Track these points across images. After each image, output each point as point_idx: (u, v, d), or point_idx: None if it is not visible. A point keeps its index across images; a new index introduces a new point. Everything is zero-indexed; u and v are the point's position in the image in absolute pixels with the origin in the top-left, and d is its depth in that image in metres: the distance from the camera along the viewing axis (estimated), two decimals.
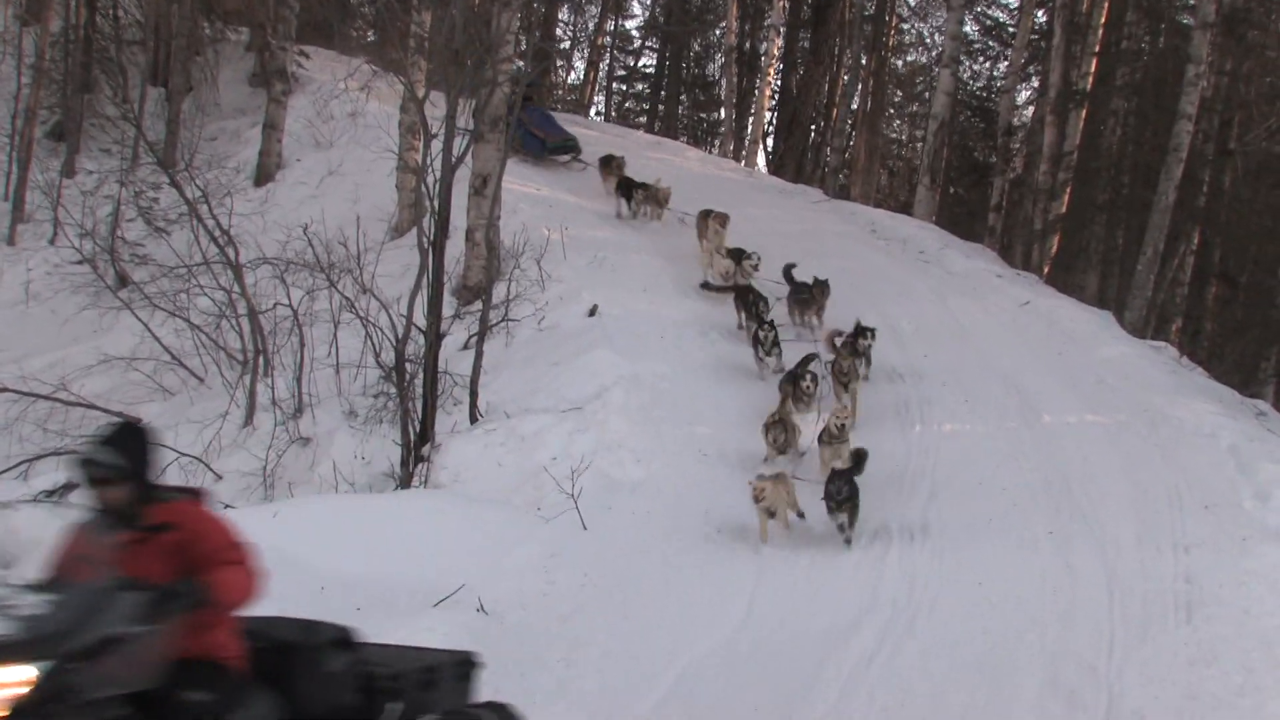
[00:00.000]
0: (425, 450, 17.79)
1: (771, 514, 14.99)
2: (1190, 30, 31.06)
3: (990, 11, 46.99)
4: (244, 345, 22.48)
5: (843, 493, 14.62)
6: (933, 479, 16.41)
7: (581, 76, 52.99)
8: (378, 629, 11.79)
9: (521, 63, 25.52)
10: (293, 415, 20.53)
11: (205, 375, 23.48)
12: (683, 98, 53.94)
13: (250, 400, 21.35)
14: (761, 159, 44.29)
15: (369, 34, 38.30)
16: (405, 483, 17.69)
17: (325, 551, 14.06)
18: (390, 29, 23.41)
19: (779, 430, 17.09)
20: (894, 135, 53.15)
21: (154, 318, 24.35)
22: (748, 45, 47.93)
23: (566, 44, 51.82)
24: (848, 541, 14.53)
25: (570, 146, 30.98)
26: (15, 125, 32.23)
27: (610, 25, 52.57)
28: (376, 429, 19.47)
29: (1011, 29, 43.30)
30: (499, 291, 21.12)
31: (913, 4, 48.41)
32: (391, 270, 24.03)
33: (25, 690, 6.53)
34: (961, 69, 41.48)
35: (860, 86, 43.58)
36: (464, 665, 8.68)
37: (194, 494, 8.10)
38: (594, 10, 51.19)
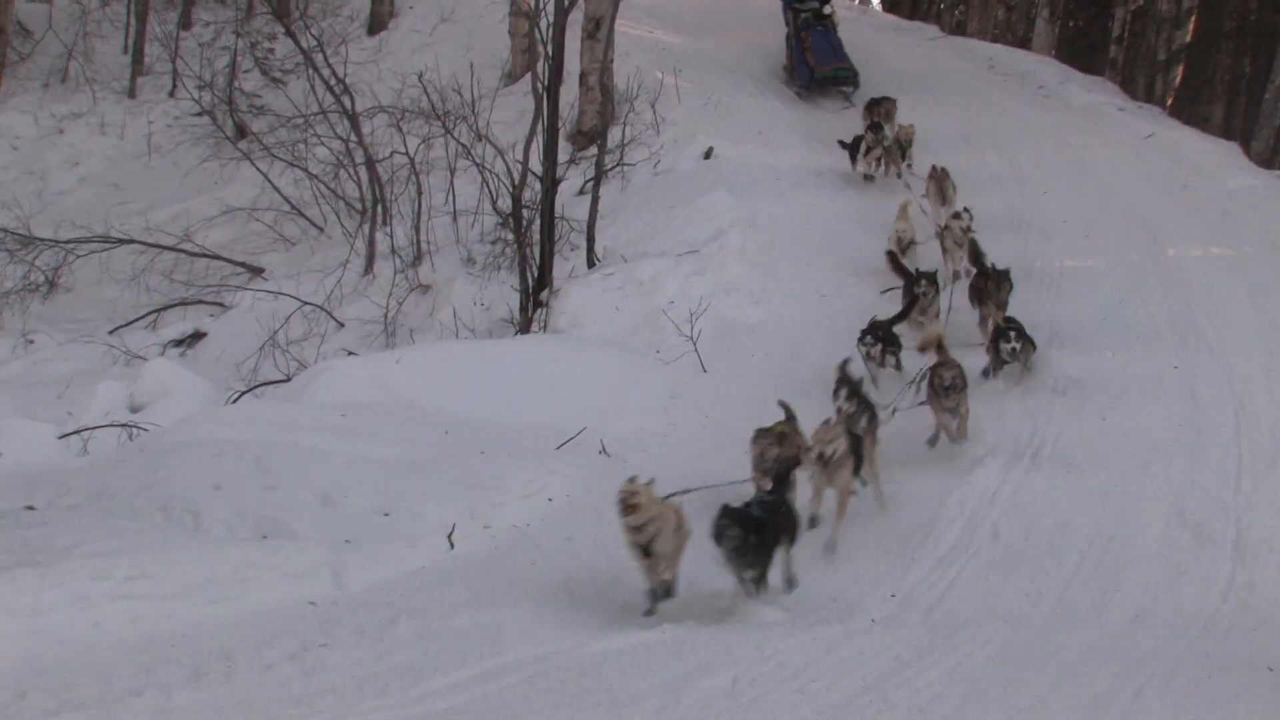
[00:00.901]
0: (543, 295, 17.87)
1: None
2: None
3: None
4: (362, 194, 22.61)
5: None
6: (1053, 315, 16.25)
7: None
8: (502, 472, 12.04)
9: None
10: (412, 263, 20.68)
11: (325, 224, 23.68)
12: None
13: (370, 249, 21.52)
14: None
15: None
16: (524, 328, 17.82)
17: (448, 396, 14.25)
18: None
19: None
20: None
21: (273, 168, 24.53)
22: None
23: None
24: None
25: (843, 77, 26.09)
26: None
27: None
28: (494, 275, 19.58)
29: None
30: (614, 136, 21.06)
31: None
32: (506, 117, 24.01)
33: None
34: None
35: None
36: None
37: None
38: None
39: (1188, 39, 34.46)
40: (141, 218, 24.71)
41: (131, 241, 23.13)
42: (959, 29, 39.08)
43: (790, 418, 12.29)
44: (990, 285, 15.64)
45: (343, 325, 19.99)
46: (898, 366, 14.86)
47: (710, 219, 18.87)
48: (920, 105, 23.57)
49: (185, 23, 32.54)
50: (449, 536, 10.62)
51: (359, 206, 22.64)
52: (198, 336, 20.71)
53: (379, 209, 22.05)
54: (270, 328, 19.47)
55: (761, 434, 11.81)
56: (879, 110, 23.04)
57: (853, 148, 21.54)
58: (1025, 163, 21.76)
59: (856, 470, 11.40)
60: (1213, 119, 31.61)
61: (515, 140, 20.47)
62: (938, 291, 15.83)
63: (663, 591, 9.64)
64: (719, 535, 9.34)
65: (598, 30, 22.26)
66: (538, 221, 18.46)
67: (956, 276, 16.88)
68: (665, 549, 9.57)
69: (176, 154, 27.49)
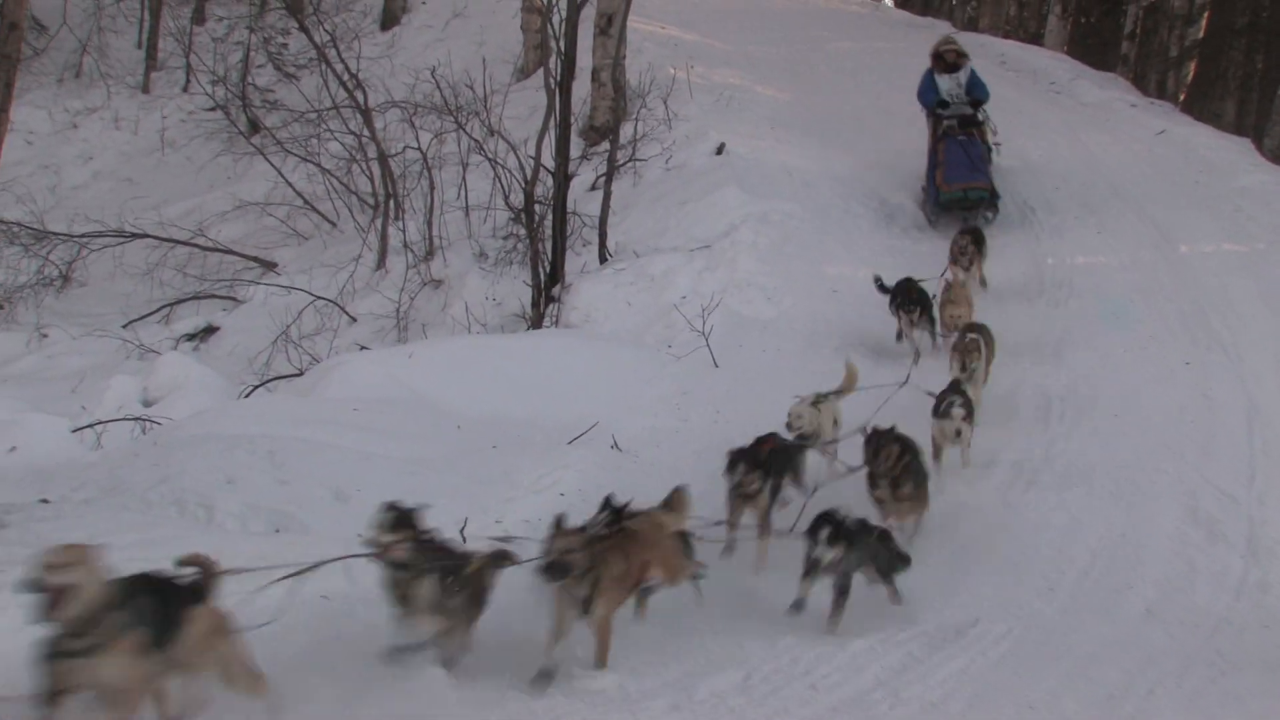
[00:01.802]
0: (555, 291, 17.89)
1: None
2: None
3: None
4: (374, 189, 22.64)
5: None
6: (1066, 311, 16.24)
7: None
8: (513, 466, 12.06)
9: None
10: (424, 258, 20.72)
11: (337, 219, 23.73)
12: None
13: (382, 243, 21.56)
14: None
15: None
16: (536, 323, 17.85)
17: (460, 391, 14.27)
18: None
19: None
20: None
21: (286, 163, 24.58)
22: None
23: None
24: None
25: (975, 199, 19.49)
26: None
27: None
28: (507, 270, 19.62)
29: None
30: (626, 131, 21.07)
31: None
32: (518, 112, 24.03)
33: None
34: None
35: None
36: None
37: None
38: None
39: (1200, 35, 34.42)
40: (155, 212, 24.74)
41: (145, 236, 23.19)
42: (971, 25, 39.07)
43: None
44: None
45: (355, 320, 20.04)
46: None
47: (722, 215, 18.89)
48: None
49: (199, 18, 32.64)
50: (460, 531, 10.63)
51: (371, 201, 22.68)
52: (211, 331, 20.77)
53: (391, 204, 22.08)
54: (283, 322, 19.52)
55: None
56: (966, 249, 17.00)
57: (899, 298, 15.51)
58: (1036, 159, 21.74)
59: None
60: (1225, 115, 31.59)
61: (527, 136, 20.50)
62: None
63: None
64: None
65: (610, 26, 22.27)
66: (550, 217, 18.49)
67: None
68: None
69: (190, 149, 27.58)
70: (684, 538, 9.20)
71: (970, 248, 16.94)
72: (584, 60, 21.36)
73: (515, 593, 8.38)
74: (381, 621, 7.98)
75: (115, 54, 31.62)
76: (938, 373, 13.47)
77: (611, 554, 8.11)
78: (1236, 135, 25.69)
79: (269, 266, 22.80)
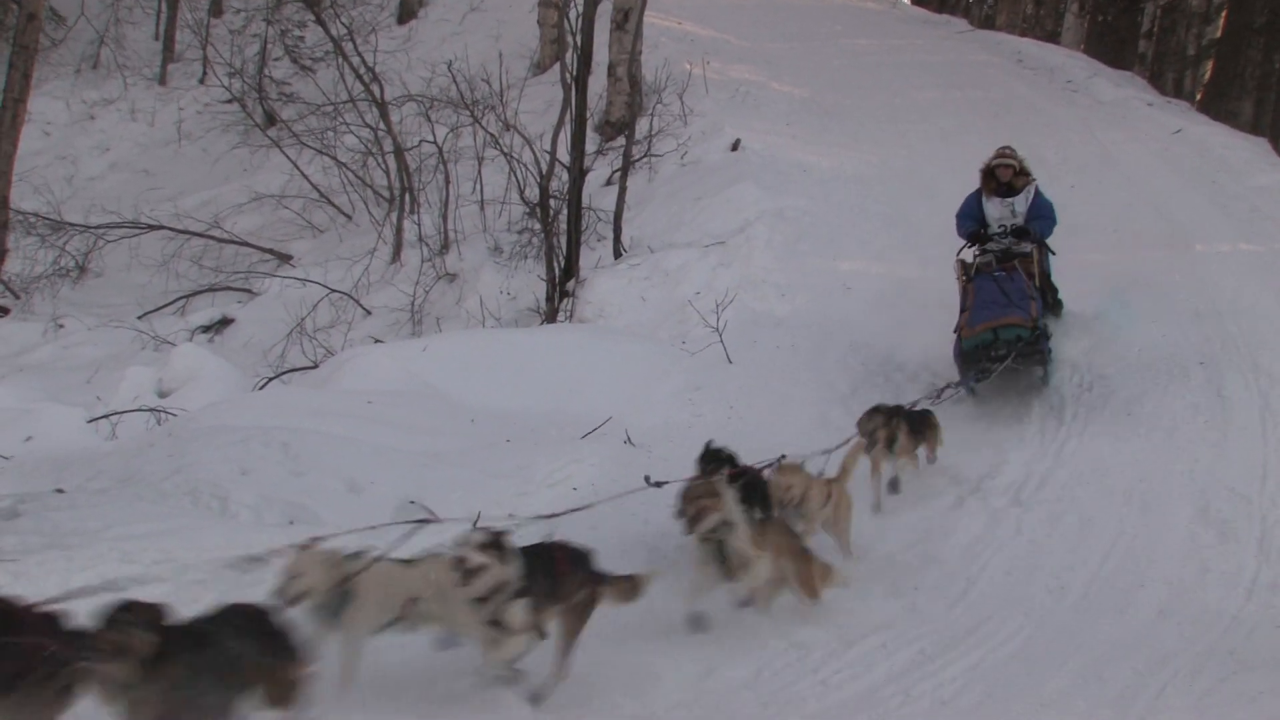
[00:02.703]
0: (570, 285, 17.90)
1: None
2: None
3: None
4: (390, 182, 22.67)
5: None
6: (1080, 308, 16.22)
7: None
8: (528, 460, 12.08)
9: None
10: (439, 251, 20.74)
11: (353, 212, 23.75)
12: None
13: (397, 237, 21.58)
14: None
15: None
16: (550, 317, 17.85)
17: (474, 385, 14.29)
18: None
19: None
20: None
21: (302, 155, 24.62)
22: None
23: None
24: None
25: (1009, 339, 14.18)
26: None
27: None
28: (521, 264, 19.64)
29: None
30: (641, 127, 21.10)
31: None
32: (534, 106, 24.05)
33: None
34: None
35: None
36: None
37: None
38: None
39: (1217, 34, 34.34)
40: (171, 204, 24.81)
41: (161, 228, 23.24)
42: (988, 23, 39.04)
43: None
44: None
45: (370, 313, 20.07)
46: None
47: (737, 211, 18.90)
48: (948, 100, 23.50)
49: (216, 10, 32.70)
50: (474, 524, 10.65)
51: (387, 195, 22.71)
52: (226, 322, 20.80)
53: (407, 197, 22.10)
54: (298, 314, 19.56)
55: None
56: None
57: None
58: (1052, 158, 21.70)
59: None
60: (1242, 115, 31.51)
61: (543, 130, 20.52)
62: None
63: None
64: None
65: (626, 21, 22.29)
66: (565, 211, 18.50)
67: None
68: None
69: (206, 140, 27.61)
70: None
71: (886, 430, 11.91)
72: (600, 55, 21.35)
73: None
74: None
75: (132, 45, 31.66)
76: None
77: None
78: (1253, 135, 25.66)
79: (284, 259, 22.85)
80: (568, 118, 18.73)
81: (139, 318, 20.87)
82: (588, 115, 19.01)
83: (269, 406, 13.27)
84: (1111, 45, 34.58)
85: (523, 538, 8.03)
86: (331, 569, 7.38)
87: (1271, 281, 16.50)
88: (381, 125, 22.80)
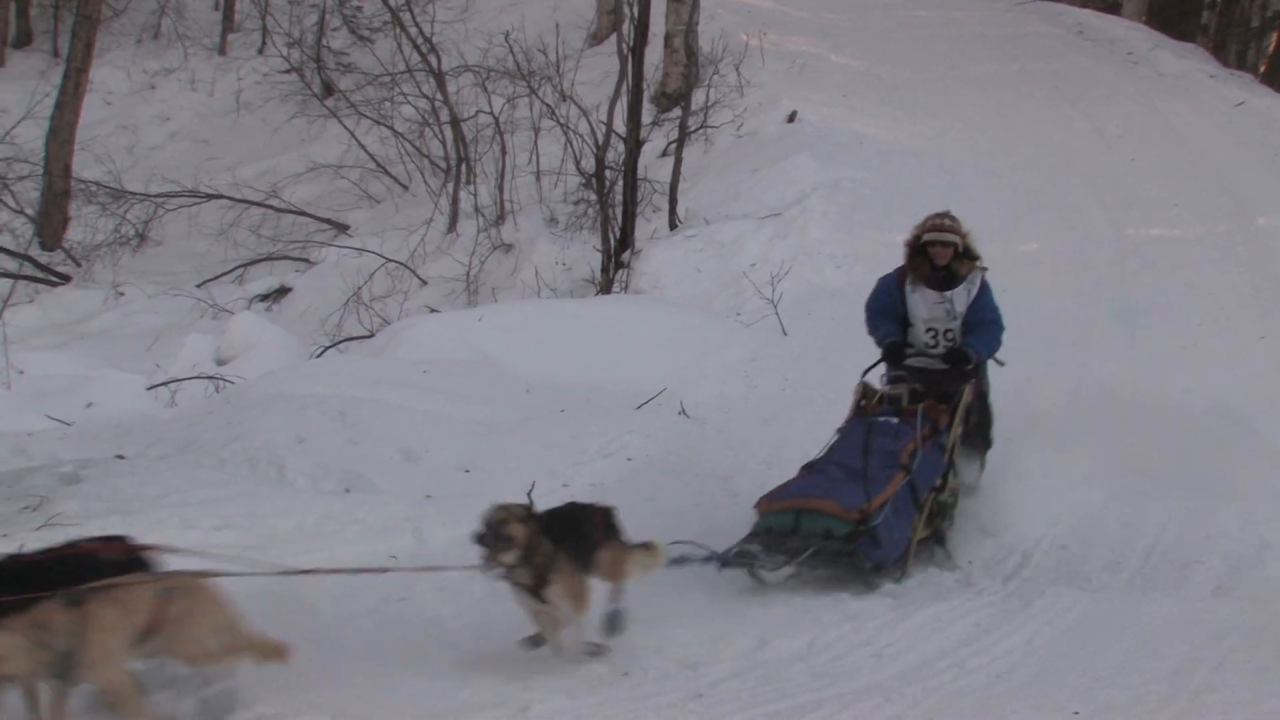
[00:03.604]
0: (625, 256, 17.93)
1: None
2: None
3: None
4: (446, 153, 22.70)
5: None
6: (1138, 284, 16.11)
7: None
8: (581, 431, 12.11)
9: None
10: (494, 222, 20.77)
11: (409, 183, 23.80)
12: None
13: (453, 207, 21.62)
14: None
15: None
16: (605, 288, 17.89)
17: (529, 355, 14.34)
18: None
19: None
20: None
21: (359, 125, 24.69)
22: None
23: None
24: None
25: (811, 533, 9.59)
26: None
27: None
28: (576, 235, 19.67)
29: None
30: (697, 98, 21.05)
31: None
32: (590, 77, 24.01)
33: None
34: None
35: None
36: None
37: None
38: None
39: None
40: (230, 173, 24.93)
41: (220, 197, 23.39)
42: None
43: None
44: None
45: (425, 283, 20.13)
46: None
47: (793, 182, 18.87)
48: (1006, 72, 23.31)
49: None
50: (528, 494, 10.69)
51: (443, 165, 22.74)
52: (283, 291, 20.92)
53: (463, 168, 22.14)
54: (354, 284, 19.63)
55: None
56: None
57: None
58: (1113, 130, 21.55)
59: None
60: None
61: (599, 101, 20.50)
62: None
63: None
64: None
65: None
66: (620, 182, 18.50)
67: None
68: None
69: (265, 110, 27.68)
70: None
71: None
72: (657, 26, 21.29)
73: None
74: None
75: (192, 15, 31.82)
76: None
77: None
78: None
79: (341, 229, 22.94)
80: (624, 89, 18.71)
81: (198, 286, 21.06)
82: (644, 86, 18.99)
83: (326, 375, 13.37)
84: (1174, 17, 34.12)
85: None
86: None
87: None
88: (438, 96, 22.82)
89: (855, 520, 9.40)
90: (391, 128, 24.13)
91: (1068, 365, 13.96)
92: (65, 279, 22.08)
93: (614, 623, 7.85)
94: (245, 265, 22.00)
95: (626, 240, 18.13)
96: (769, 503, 9.69)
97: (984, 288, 10.81)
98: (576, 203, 20.20)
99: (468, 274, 19.59)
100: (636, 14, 18.31)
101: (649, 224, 18.86)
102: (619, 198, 18.47)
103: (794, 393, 13.93)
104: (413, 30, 23.65)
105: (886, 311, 10.93)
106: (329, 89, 27.09)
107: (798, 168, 19.21)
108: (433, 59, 23.13)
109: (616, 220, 18.35)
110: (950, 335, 10.80)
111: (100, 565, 6.33)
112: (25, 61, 30.39)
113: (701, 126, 20.54)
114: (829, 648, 8.08)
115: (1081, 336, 14.84)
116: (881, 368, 10.90)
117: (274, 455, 10.57)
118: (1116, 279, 16.46)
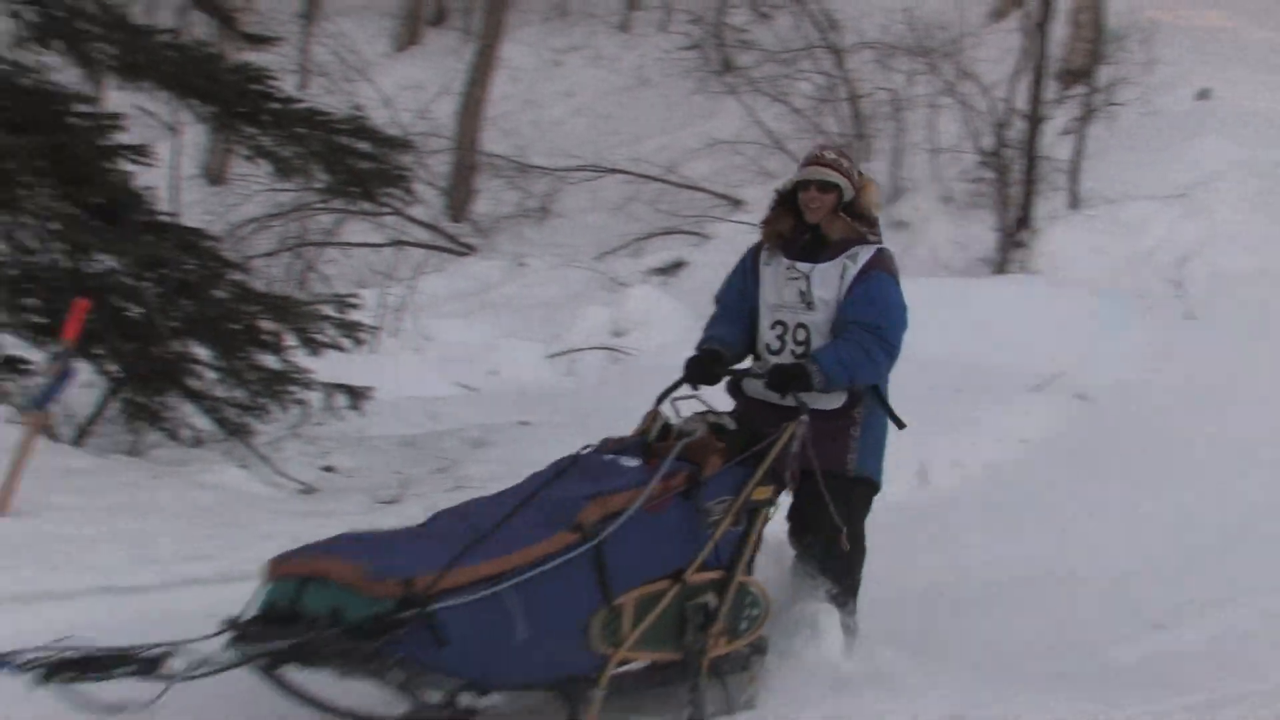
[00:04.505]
0: (1022, 236, 17.68)
1: None
2: None
3: None
4: (843, 130, 22.71)
5: None
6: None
7: None
8: (976, 411, 12.05)
9: None
10: (890, 199, 20.67)
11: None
12: None
13: None
14: None
15: None
16: (1001, 268, 17.68)
17: (923, 333, 14.19)
18: None
19: None
20: None
21: (757, 102, 24.90)
22: None
23: None
24: None
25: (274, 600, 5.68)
26: None
27: None
28: (973, 214, 19.44)
29: None
30: (1102, 75, 20.51)
31: None
32: (990, 55, 23.57)
33: None
34: None
35: None
36: None
37: None
38: None
39: None
40: (629, 148, 25.52)
41: (619, 171, 23.99)
42: None
43: None
44: None
45: None
46: None
47: (1202, 162, 18.26)
48: None
49: None
50: (921, 473, 10.71)
51: (840, 142, 22.75)
52: (679, 265, 21.29)
53: (860, 145, 22.13)
54: None
55: None
56: None
57: None
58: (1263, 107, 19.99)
59: None
60: None
61: (999, 78, 20.18)
62: None
63: None
64: None
65: None
66: (1020, 161, 18.22)
67: None
68: None
69: (665, 86, 28.23)
70: None
71: None
72: (1063, 1, 20.85)
73: None
74: None
75: None
76: None
77: None
78: None
79: (736, 204, 23.20)
80: (1027, 65, 18.42)
81: (596, 258, 21.62)
82: (1047, 63, 18.65)
83: None
84: None
85: None
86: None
87: None
88: (837, 72, 22.85)
89: (391, 598, 5.36)
90: (789, 104, 24.27)
91: None
92: (471, 249, 23.00)
93: None
94: (642, 239, 22.49)
95: (1025, 219, 17.87)
96: (277, 564, 5.76)
97: (875, 272, 7.41)
98: (974, 181, 19.96)
99: None
100: None
101: (1048, 203, 18.50)
102: (1018, 176, 18.20)
103: (1200, 383, 13.45)
104: (813, 6, 23.73)
105: (730, 305, 7.85)
106: (728, 65, 27.42)
107: (1207, 147, 18.55)
108: (832, 35, 23.17)
109: (1015, 199, 18.10)
110: (803, 338, 7.38)
111: None
112: (440, 39, 31.81)
113: (1106, 104, 20.03)
114: None
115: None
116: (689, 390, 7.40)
117: None
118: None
